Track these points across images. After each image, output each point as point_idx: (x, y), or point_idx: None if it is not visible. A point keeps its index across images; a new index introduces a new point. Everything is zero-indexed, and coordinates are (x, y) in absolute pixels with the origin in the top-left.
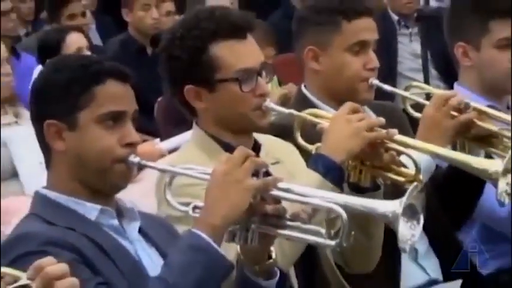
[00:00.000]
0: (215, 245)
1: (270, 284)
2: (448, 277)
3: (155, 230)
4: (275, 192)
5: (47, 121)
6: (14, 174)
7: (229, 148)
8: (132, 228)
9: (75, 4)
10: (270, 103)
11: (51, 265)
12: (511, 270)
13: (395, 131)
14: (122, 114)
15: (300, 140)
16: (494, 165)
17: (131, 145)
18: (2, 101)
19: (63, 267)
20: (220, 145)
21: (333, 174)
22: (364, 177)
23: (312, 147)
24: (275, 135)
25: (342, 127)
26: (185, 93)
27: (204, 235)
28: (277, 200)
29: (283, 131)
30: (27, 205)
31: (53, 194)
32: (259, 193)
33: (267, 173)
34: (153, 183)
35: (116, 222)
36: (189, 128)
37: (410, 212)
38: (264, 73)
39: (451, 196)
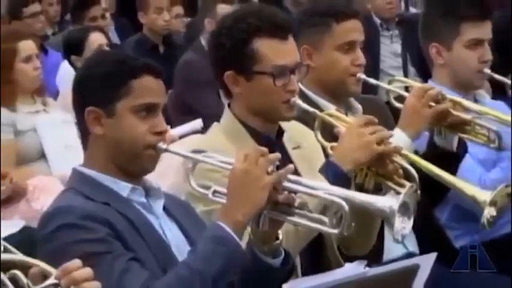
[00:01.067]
0: (237, 239)
1: (276, 262)
2: (424, 251)
3: (176, 208)
4: (286, 184)
5: (87, 108)
6: (42, 156)
7: (254, 133)
8: (158, 205)
9: (96, 7)
10: (297, 99)
11: (78, 269)
12: (480, 244)
13: (401, 146)
14: (154, 106)
15: (319, 137)
16: (483, 194)
17: (160, 133)
18: (32, 91)
19: (88, 271)
20: (246, 129)
21: (339, 183)
22: (369, 180)
23: (327, 145)
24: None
25: (354, 139)
26: (225, 77)
27: (227, 228)
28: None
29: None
30: (54, 183)
31: (89, 172)
32: (274, 185)
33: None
34: (168, 165)
35: (144, 199)
36: (195, 117)
37: (404, 209)
38: (296, 72)
39: (429, 178)
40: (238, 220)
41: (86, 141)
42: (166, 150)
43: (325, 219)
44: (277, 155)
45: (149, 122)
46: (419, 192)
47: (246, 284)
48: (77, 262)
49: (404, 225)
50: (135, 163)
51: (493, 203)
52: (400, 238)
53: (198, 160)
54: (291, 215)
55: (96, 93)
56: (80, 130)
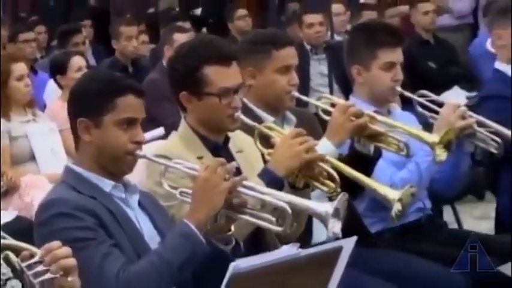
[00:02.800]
0: (199, 235)
1: (227, 248)
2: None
3: (148, 203)
4: (241, 189)
5: (79, 119)
6: (32, 158)
7: (205, 140)
8: (134, 200)
9: (78, 35)
10: (240, 114)
11: (58, 248)
12: (391, 229)
13: (324, 155)
14: (135, 120)
15: (258, 145)
16: (393, 193)
17: (139, 143)
18: (23, 104)
19: (67, 250)
20: (198, 137)
21: (274, 186)
22: (299, 180)
23: (265, 151)
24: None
25: (286, 149)
26: (180, 96)
27: (192, 226)
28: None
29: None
30: (42, 181)
31: (79, 169)
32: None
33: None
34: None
35: (123, 195)
36: (158, 126)
37: (336, 213)
38: (239, 91)
39: (351, 181)
40: (201, 219)
41: (77, 144)
42: (143, 157)
43: (273, 218)
44: (233, 164)
45: (129, 132)
46: (335, 192)
47: (205, 269)
48: (57, 243)
49: (335, 225)
50: (116, 166)
51: (400, 200)
52: (331, 235)
53: (169, 165)
54: (243, 214)
55: (87, 106)
56: (73, 134)
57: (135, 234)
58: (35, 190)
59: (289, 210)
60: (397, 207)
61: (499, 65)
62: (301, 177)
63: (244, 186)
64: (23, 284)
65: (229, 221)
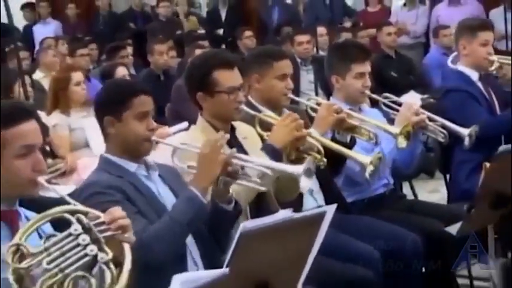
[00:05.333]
0: (202, 198)
1: (229, 206)
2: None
3: (167, 174)
4: (234, 160)
5: (105, 117)
6: (86, 145)
7: (217, 129)
8: (154, 175)
9: (123, 51)
10: (243, 106)
11: (118, 211)
12: (362, 200)
13: (312, 130)
14: (147, 113)
15: (259, 129)
16: (366, 158)
17: (152, 130)
18: (80, 104)
19: (123, 213)
20: (212, 127)
21: (274, 156)
22: (292, 153)
23: (264, 134)
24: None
25: (281, 128)
26: (197, 97)
27: (196, 191)
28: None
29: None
30: (94, 162)
31: (109, 156)
32: (225, 161)
33: (230, 145)
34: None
35: (145, 172)
36: (182, 121)
37: (308, 172)
38: (241, 89)
39: (331, 158)
40: (203, 185)
41: (106, 136)
42: (157, 142)
43: (258, 180)
44: (226, 137)
45: (144, 123)
46: (322, 162)
47: (211, 223)
48: (116, 208)
49: (308, 183)
50: (137, 150)
51: (371, 163)
52: (305, 191)
53: (177, 147)
54: (236, 179)
55: (110, 107)
56: (101, 129)
57: (156, 202)
58: (89, 170)
59: (270, 173)
60: (369, 168)
61: (462, 68)
62: (292, 151)
63: (236, 158)
64: (90, 238)
65: (227, 185)
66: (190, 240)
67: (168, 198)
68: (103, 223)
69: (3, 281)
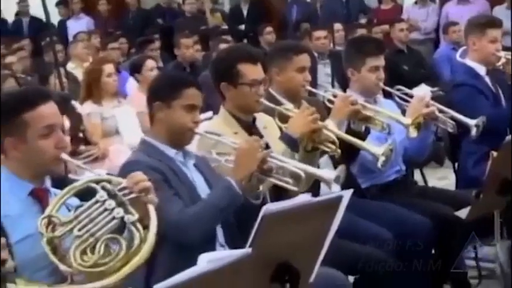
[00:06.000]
0: (237, 188)
1: (257, 202)
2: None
3: (202, 165)
4: (269, 159)
5: (155, 103)
6: (117, 133)
7: (239, 120)
8: (190, 163)
9: (151, 45)
10: (263, 100)
11: (139, 175)
12: (375, 186)
13: (327, 123)
14: (196, 106)
15: (278, 121)
16: (379, 149)
17: (196, 123)
18: (112, 94)
19: (144, 176)
20: (233, 118)
21: (291, 145)
22: (308, 144)
23: (282, 126)
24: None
25: (299, 120)
26: (221, 87)
27: (232, 181)
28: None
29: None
30: (124, 149)
31: (150, 140)
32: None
33: (267, 146)
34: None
35: (182, 159)
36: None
37: (337, 178)
38: (263, 83)
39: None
40: (239, 177)
41: (152, 121)
42: (200, 134)
43: (290, 181)
44: (265, 140)
45: (191, 115)
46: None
47: (240, 215)
48: (137, 172)
49: (335, 187)
50: (180, 138)
51: (383, 154)
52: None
53: (219, 140)
54: (270, 177)
55: (162, 94)
56: (149, 114)
57: (191, 187)
58: (119, 155)
59: (303, 175)
60: (381, 159)
61: (470, 63)
62: (309, 142)
63: (272, 157)
64: (116, 202)
65: (259, 182)
66: (217, 226)
67: (200, 186)
68: (126, 188)
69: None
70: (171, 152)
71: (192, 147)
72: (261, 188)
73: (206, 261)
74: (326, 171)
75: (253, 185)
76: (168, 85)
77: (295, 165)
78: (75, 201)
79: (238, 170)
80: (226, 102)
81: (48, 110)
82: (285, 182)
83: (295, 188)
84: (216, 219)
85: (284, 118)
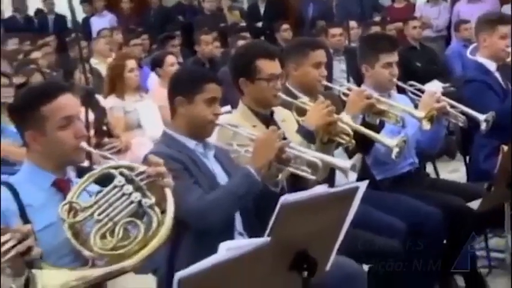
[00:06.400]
0: (256, 176)
1: (276, 189)
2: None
3: (221, 156)
4: (287, 149)
5: (176, 97)
6: (139, 126)
7: (257, 114)
8: (210, 154)
9: (172, 41)
10: (281, 94)
11: (154, 159)
12: (389, 178)
13: (343, 116)
14: (216, 99)
15: (295, 115)
16: (393, 141)
17: (217, 115)
18: (133, 88)
19: (160, 161)
20: (251, 112)
21: (308, 137)
22: (323, 137)
23: (299, 119)
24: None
25: (315, 113)
26: (239, 82)
27: (251, 169)
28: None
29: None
30: (146, 141)
31: (172, 132)
32: (280, 148)
33: (284, 137)
34: None
35: (203, 150)
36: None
37: (353, 167)
38: (280, 78)
39: (362, 140)
40: (258, 166)
41: (173, 114)
42: (220, 125)
43: (308, 170)
44: (282, 131)
45: (212, 108)
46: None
47: (260, 202)
48: (153, 159)
49: (352, 175)
50: (200, 131)
51: (397, 146)
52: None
53: (237, 131)
54: (288, 166)
55: (183, 89)
56: (170, 108)
57: (210, 176)
58: (141, 148)
59: (320, 164)
60: (395, 150)
61: (481, 59)
62: (325, 134)
63: (290, 147)
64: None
65: (278, 170)
66: (236, 214)
67: (220, 176)
68: (143, 172)
69: None
70: (191, 143)
71: (212, 139)
72: (280, 176)
73: (226, 250)
74: (342, 160)
75: (272, 173)
76: (189, 80)
77: (313, 154)
78: (96, 188)
79: (256, 159)
80: (245, 97)
81: (65, 102)
82: (302, 170)
83: (312, 177)
84: (234, 205)
85: (301, 111)
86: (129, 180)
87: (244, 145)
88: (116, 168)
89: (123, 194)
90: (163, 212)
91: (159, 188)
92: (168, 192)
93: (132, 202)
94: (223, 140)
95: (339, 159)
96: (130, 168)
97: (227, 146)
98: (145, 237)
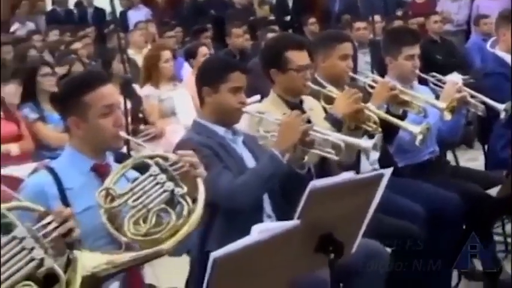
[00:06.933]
0: (281, 158)
1: (303, 171)
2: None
3: (249, 141)
4: (311, 132)
5: (203, 87)
6: (173, 114)
7: (287, 102)
8: (239, 140)
9: (205, 33)
10: (310, 83)
11: (188, 151)
12: (410, 165)
13: (369, 104)
14: (240, 88)
15: (323, 103)
16: (416, 128)
17: (243, 103)
18: (168, 78)
19: (192, 153)
20: (283, 101)
21: (335, 125)
22: (350, 124)
23: (328, 107)
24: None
25: (343, 100)
26: (270, 73)
27: (277, 152)
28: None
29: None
30: (180, 128)
31: (201, 120)
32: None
33: (309, 121)
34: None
35: (232, 136)
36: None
37: (374, 146)
38: (309, 68)
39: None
40: (283, 148)
41: (202, 104)
42: (246, 112)
43: (332, 151)
44: (307, 115)
45: (237, 96)
46: (378, 131)
47: (287, 184)
48: (190, 152)
49: (374, 154)
50: (228, 118)
51: (421, 133)
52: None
53: (263, 117)
54: (313, 148)
55: (209, 79)
56: (199, 97)
57: (239, 161)
58: (175, 134)
59: (343, 145)
60: (419, 137)
61: (499, 52)
62: (352, 121)
63: (314, 130)
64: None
65: (303, 153)
66: (264, 197)
67: (248, 160)
68: (176, 163)
69: None
70: (220, 130)
71: (240, 125)
72: (306, 158)
73: (258, 232)
74: (364, 140)
75: (298, 156)
76: (214, 71)
77: (336, 136)
78: (134, 174)
79: (281, 141)
80: (276, 86)
81: (107, 91)
82: (326, 152)
83: (336, 158)
84: (261, 187)
85: (329, 100)
86: (163, 170)
87: (270, 131)
88: (151, 158)
89: (157, 183)
90: (194, 200)
91: (192, 177)
92: (200, 182)
93: (165, 191)
94: (251, 127)
95: (361, 140)
96: (165, 158)
97: (254, 132)
98: (177, 225)
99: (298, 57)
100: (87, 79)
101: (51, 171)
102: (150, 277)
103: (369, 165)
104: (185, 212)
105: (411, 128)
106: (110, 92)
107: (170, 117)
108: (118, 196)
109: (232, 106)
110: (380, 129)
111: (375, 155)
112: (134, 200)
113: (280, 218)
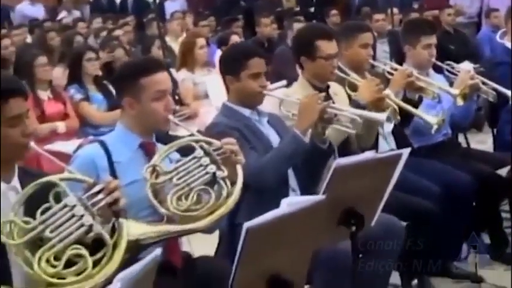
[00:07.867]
0: (303, 137)
1: (324, 146)
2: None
3: (275, 121)
4: (329, 109)
5: (226, 76)
6: (206, 96)
7: (315, 87)
8: (264, 120)
9: (235, 23)
10: (336, 71)
11: (230, 139)
12: (425, 146)
13: (388, 90)
14: (260, 73)
15: (347, 89)
16: (433, 119)
17: (264, 86)
18: (202, 63)
19: (233, 140)
20: (310, 85)
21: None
22: (372, 110)
23: (352, 94)
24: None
25: (367, 89)
26: (300, 60)
27: (297, 131)
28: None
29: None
30: (212, 110)
31: (229, 104)
32: (322, 109)
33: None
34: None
35: (257, 117)
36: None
37: (389, 118)
38: (336, 57)
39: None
40: (304, 127)
41: (228, 89)
42: (268, 94)
43: (350, 125)
44: (323, 93)
45: (258, 81)
46: (396, 119)
47: (310, 158)
48: (229, 138)
49: (388, 126)
50: (251, 101)
51: (437, 123)
52: (386, 134)
53: (283, 98)
54: (331, 124)
55: (230, 68)
56: (224, 84)
57: (265, 140)
58: (208, 115)
59: (359, 120)
60: (435, 127)
61: (508, 43)
62: (375, 108)
63: (331, 107)
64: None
65: (323, 128)
66: (290, 172)
67: (274, 139)
68: (219, 148)
69: None
70: (246, 112)
71: (265, 106)
72: (326, 133)
73: (287, 205)
74: (378, 114)
75: (319, 131)
76: (233, 60)
77: (352, 111)
78: (176, 155)
79: (301, 120)
80: (305, 72)
81: (162, 78)
82: (344, 126)
83: (353, 131)
84: (285, 164)
85: (353, 87)
86: (207, 153)
87: (291, 110)
88: (196, 141)
89: (201, 165)
90: (232, 184)
91: (232, 163)
92: (239, 168)
93: (207, 173)
94: (274, 106)
95: (376, 113)
96: (209, 143)
97: (277, 111)
98: (215, 205)
99: (327, 47)
100: (145, 64)
101: (103, 144)
102: (186, 245)
103: (386, 145)
104: (224, 194)
105: (429, 119)
106: (164, 78)
107: (203, 99)
108: (163, 173)
109: (254, 90)
110: (399, 118)
111: (389, 127)
112: (178, 179)
113: (303, 191)
